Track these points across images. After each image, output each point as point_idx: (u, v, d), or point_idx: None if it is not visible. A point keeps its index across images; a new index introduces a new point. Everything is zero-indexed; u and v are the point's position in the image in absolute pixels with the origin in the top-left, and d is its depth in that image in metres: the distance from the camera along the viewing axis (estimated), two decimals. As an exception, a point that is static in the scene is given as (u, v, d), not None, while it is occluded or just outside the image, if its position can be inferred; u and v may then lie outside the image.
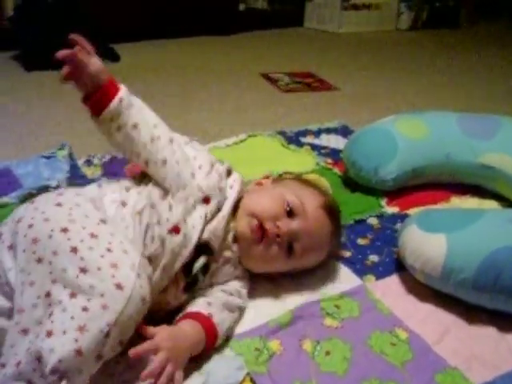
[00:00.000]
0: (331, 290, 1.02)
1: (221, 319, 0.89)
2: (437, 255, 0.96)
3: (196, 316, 0.88)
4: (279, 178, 1.11)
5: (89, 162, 1.49)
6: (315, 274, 1.07)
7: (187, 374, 0.82)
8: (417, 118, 1.44)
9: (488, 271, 0.92)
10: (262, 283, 1.03)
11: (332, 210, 1.02)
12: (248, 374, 0.83)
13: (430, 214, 1.09)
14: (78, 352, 0.70)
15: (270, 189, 1.04)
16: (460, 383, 0.83)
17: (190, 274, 0.91)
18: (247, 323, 0.93)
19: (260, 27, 3.50)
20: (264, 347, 0.87)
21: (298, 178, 1.10)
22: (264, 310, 0.96)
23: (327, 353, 0.87)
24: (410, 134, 1.38)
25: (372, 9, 3.82)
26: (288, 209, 0.96)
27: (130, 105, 0.93)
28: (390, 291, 1.03)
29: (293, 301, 0.99)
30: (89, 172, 1.43)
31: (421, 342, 0.91)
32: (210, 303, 0.91)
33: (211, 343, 0.86)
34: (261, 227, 0.94)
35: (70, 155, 1.49)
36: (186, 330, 0.84)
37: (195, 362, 0.85)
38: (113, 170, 1.42)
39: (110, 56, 2.77)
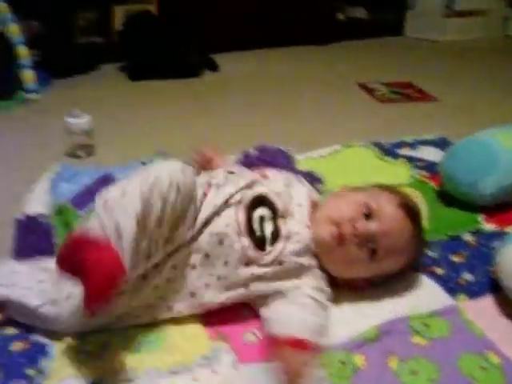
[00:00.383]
0: (421, 307, 0.99)
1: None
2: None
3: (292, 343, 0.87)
4: (357, 187, 1.10)
5: (185, 170, 1.54)
6: (404, 290, 1.04)
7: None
8: (521, 131, 1.38)
9: None
10: (347, 298, 1.02)
11: (410, 210, 1.01)
12: (331, 387, 0.82)
13: (531, 234, 1.04)
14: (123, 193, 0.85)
15: (347, 195, 1.05)
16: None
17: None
18: (332, 337, 0.92)
19: (359, 36, 3.47)
20: (348, 361, 0.87)
21: (377, 185, 1.09)
22: (350, 325, 0.95)
23: (413, 372, 0.85)
24: (512, 147, 1.32)
25: (477, 15, 3.67)
26: (365, 211, 0.97)
27: None
28: (483, 312, 0.99)
29: (380, 316, 0.96)
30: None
31: (515, 369, 0.86)
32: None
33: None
34: (338, 234, 0.96)
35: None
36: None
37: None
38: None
39: (209, 66, 2.86)
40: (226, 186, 1.02)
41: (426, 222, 1.25)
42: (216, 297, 0.96)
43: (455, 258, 1.15)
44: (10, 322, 0.96)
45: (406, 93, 2.44)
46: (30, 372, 0.84)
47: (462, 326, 0.95)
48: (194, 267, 0.96)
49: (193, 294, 0.96)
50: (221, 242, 0.95)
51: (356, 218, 0.97)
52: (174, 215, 0.88)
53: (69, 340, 0.91)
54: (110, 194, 0.87)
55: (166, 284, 0.95)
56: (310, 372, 0.81)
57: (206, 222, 0.96)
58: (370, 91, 2.45)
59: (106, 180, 1.46)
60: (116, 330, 0.94)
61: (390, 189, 1.07)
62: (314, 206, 1.06)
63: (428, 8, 3.59)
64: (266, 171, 1.11)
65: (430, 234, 1.20)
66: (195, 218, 0.95)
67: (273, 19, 3.19)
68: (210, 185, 1.02)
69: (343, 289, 1.02)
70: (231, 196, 0.99)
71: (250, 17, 3.14)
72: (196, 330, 0.95)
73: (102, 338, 0.92)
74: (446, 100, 2.34)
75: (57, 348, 0.90)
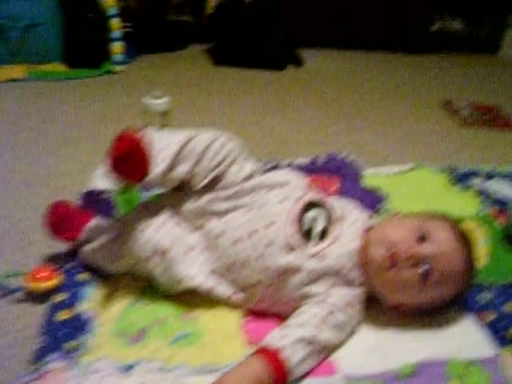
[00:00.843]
0: (462, 352, 0.96)
1: (292, 352, 0.88)
2: None
3: (261, 352, 0.89)
4: (409, 213, 1.10)
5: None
6: (449, 331, 1.02)
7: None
8: None
9: None
10: (388, 329, 1.02)
11: (462, 236, 1.02)
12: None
13: None
14: None
15: (401, 220, 1.06)
16: None
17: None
18: (367, 366, 0.92)
19: (451, 49, 3.37)
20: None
21: (429, 212, 1.09)
22: (386, 357, 0.94)
23: (441, 420, 0.83)
24: None
25: None
26: (418, 235, 0.98)
27: None
28: (528, 371, 0.95)
29: (418, 354, 0.95)
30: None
31: None
32: (285, 336, 0.91)
33: (280, 378, 0.87)
34: (392, 256, 0.96)
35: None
36: (241, 372, 0.86)
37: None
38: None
39: (293, 60, 2.85)
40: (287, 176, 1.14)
41: (484, 261, 1.22)
42: (252, 278, 0.99)
43: (510, 308, 1.10)
44: (60, 288, 1.02)
45: (491, 118, 2.34)
46: (68, 345, 0.88)
47: (502, 382, 0.92)
48: (235, 243, 1.00)
49: (232, 266, 1.01)
50: (269, 225, 1.00)
51: (409, 241, 0.97)
52: (216, 159, 1.03)
53: (110, 319, 0.95)
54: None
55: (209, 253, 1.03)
56: None
57: (253, 190, 1.06)
58: (452, 111, 2.37)
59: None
60: (156, 317, 0.97)
61: (441, 215, 1.07)
62: (368, 228, 1.07)
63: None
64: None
65: (487, 275, 1.17)
66: (244, 180, 1.07)
67: (364, 20, 3.11)
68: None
69: (390, 312, 1.03)
70: (288, 183, 1.09)
71: (341, 15, 3.08)
72: (234, 332, 0.97)
73: (142, 324, 0.96)
74: (532, 132, 2.23)
75: (98, 325, 0.94)
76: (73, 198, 1.26)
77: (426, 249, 0.97)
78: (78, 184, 1.37)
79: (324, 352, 0.93)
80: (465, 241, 1.02)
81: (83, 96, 2.15)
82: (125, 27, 2.50)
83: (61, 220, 1.14)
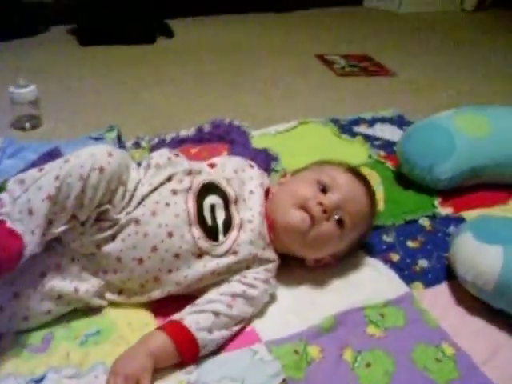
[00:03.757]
0: (376, 296, 0.98)
1: (191, 320, 0.85)
2: (491, 268, 0.90)
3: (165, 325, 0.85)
4: (298, 169, 1.10)
5: (137, 145, 1.48)
6: (360, 278, 1.03)
7: (222, 380, 0.80)
8: (479, 114, 1.36)
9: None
10: (302, 287, 1.01)
11: (356, 172, 1.06)
12: (284, 380, 0.80)
13: (487, 222, 1.02)
14: None
15: (296, 179, 1.05)
16: (508, 410, 0.79)
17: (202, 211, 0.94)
18: (288, 328, 0.90)
19: (318, 5, 3.42)
20: (304, 351, 0.85)
21: (316, 162, 1.10)
22: (305, 315, 0.93)
23: (368, 365, 0.84)
24: (470, 131, 1.30)
25: (435, -12, 3.66)
26: (320, 187, 0.98)
27: None
28: (438, 301, 0.98)
29: (335, 306, 0.95)
30: (136, 155, 1.41)
31: (468, 361, 0.86)
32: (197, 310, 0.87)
33: (187, 349, 0.83)
34: (311, 215, 0.95)
35: (119, 137, 1.48)
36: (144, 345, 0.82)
37: (230, 367, 0.83)
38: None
39: (164, 32, 2.77)
40: (167, 167, 0.97)
41: (381, 204, 1.24)
42: (166, 291, 0.93)
43: (411, 244, 1.14)
44: None
45: (364, 66, 2.41)
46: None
47: (417, 316, 0.94)
48: (140, 261, 0.91)
49: (142, 286, 0.92)
50: (170, 235, 0.90)
51: (316, 195, 0.96)
52: (97, 196, 0.86)
53: (10, 332, 0.86)
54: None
55: (114, 276, 0.92)
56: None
57: (142, 200, 0.92)
58: (327, 63, 2.41)
59: (52, 155, 1.39)
60: (58, 321, 0.89)
61: (330, 161, 1.08)
62: (267, 192, 1.05)
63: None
64: (213, 160, 1.11)
65: (386, 217, 1.20)
66: (130, 198, 0.92)
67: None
68: (149, 165, 0.98)
69: (313, 269, 1.03)
70: (172, 175, 0.96)
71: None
72: (145, 319, 0.91)
73: (44, 330, 0.88)
74: (403, 75, 2.32)
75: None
76: None
77: (333, 198, 0.97)
78: None
79: (238, 323, 0.89)
80: (360, 175, 1.05)
81: None
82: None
83: None
